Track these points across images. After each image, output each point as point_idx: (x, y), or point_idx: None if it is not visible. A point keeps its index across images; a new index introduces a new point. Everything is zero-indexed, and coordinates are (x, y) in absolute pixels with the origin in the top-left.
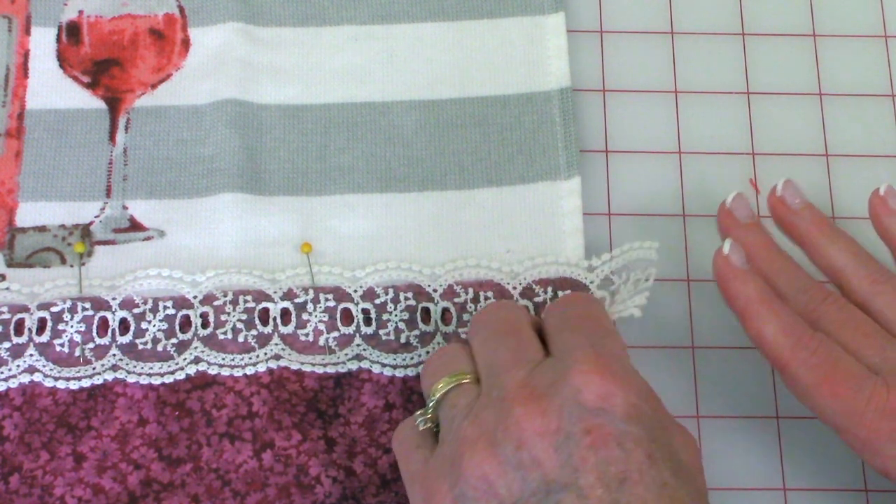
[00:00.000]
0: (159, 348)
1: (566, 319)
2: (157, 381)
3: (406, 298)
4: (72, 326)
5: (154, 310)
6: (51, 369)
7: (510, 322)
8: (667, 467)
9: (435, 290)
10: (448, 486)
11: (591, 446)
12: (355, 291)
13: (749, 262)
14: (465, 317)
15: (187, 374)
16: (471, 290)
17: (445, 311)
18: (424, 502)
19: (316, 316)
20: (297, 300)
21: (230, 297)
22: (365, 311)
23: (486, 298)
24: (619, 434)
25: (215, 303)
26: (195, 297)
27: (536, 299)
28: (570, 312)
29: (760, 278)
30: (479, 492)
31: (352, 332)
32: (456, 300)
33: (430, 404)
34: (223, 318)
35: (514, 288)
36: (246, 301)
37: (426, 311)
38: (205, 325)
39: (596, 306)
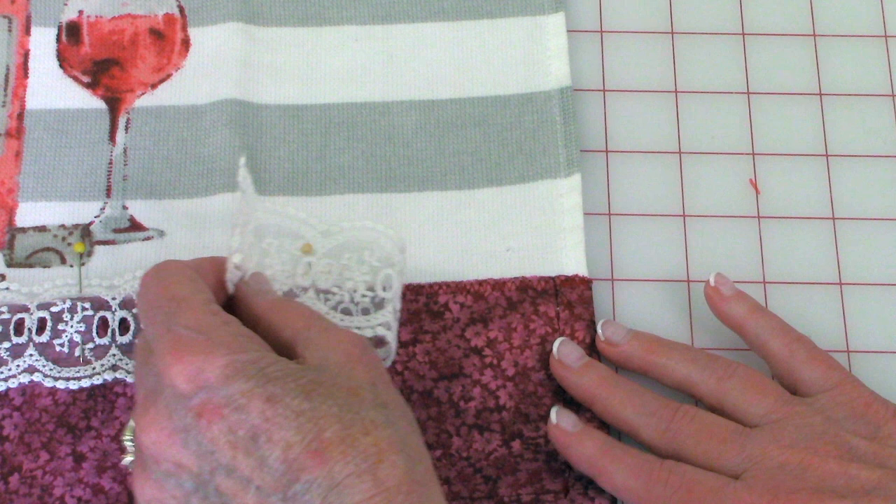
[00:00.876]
0: None
1: (141, 312)
2: None
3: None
4: (72, 326)
5: None
6: (51, 369)
7: (139, 344)
8: (296, 395)
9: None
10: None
11: (209, 425)
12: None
13: (592, 403)
14: None
15: None
16: None
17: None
18: None
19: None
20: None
21: None
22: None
23: None
24: (227, 399)
25: None
26: None
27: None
28: (143, 300)
29: (596, 433)
30: None
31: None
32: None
33: (128, 443)
34: None
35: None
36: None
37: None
38: None
39: (160, 278)
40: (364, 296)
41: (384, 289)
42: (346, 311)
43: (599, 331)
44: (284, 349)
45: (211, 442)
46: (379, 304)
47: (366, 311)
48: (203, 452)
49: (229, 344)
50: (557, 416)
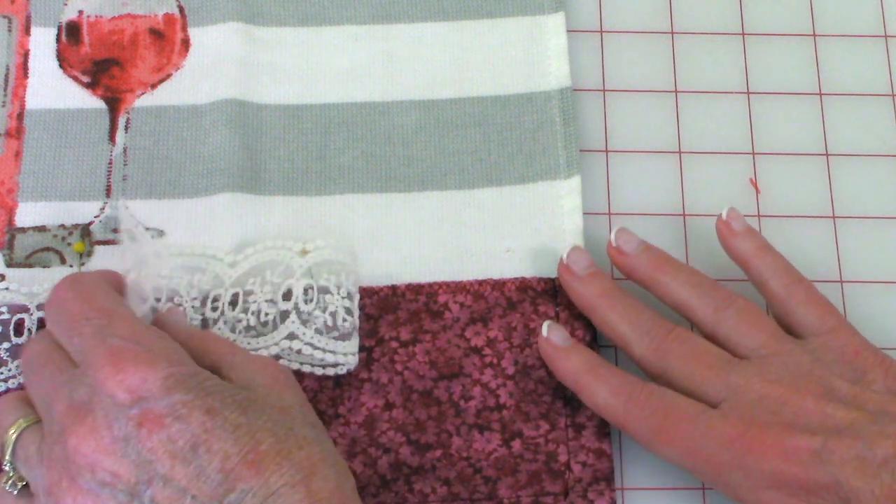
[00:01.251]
0: None
1: (63, 324)
2: None
3: None
4: None
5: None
6: None
7: (40, 354)
8: (233, 409)
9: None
10: None
11: (150, 434)
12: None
13: (591, 312)
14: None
15: None
16: None
17: None
18: None
19: None
20: None
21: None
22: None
23: None
24: (169, 409)
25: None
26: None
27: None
28: (62, 312)
29: (584, 350)
30: None
31: None
32: None
33: (7, 465)
34: None
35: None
36: None
37: None
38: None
39: (80, 291)
40: (266, 313)
41: (284, 299)
42: (254, 334)
43: (612, 236)
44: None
45: (150, 451)
46: (284, 315)
47: (272, 326)
48: (141, 462)
49: (168, 356)
50: (549, 329)
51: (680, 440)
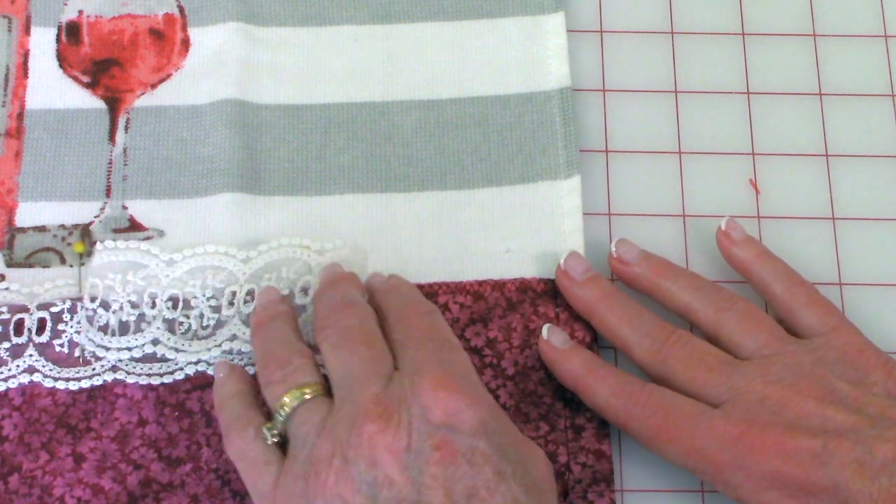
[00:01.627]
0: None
1: (409, 332)
2: (156, 381)
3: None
4: (71, 327)
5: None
6: (50, 370)
7: (364, 332)
8: (518, 484)
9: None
10: (305, 497)
11: (440, 462)
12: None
13: (591, 316)
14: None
15: (186, 375)
16: None
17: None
18: None
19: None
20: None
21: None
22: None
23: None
24: (468, 449)
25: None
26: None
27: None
28: (415, 324)
29: (584, 351)
30: None
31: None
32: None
33: (280, 419)
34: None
35: None
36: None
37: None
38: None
39: (437, 317)
40: None
41: (305, 294)
42: None
43: (613, 248)
44: None
45: (431, 478)
46: (300, 310)
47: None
48: (417, 481)
49: (488, 404)
50: (548, 332)
51: (681, 440)
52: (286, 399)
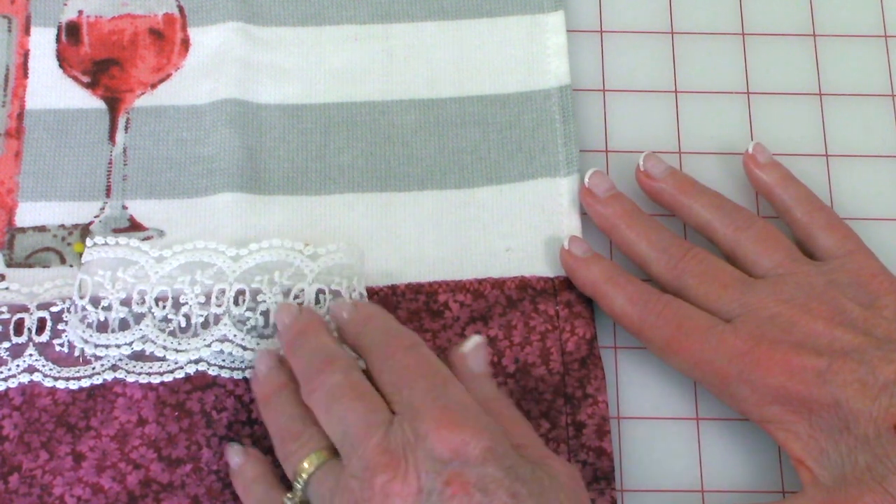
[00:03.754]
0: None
1: (399, 372)
2: (156, 380)
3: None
4: (69, 324)
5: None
6: (50, 369)
7: (352, 385)
8: (533, 501)
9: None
10: None
11: (453, 497)
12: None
13: (611, 232)
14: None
15: (187, 374)
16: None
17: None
18: None
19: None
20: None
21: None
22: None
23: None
24: (478, 479)
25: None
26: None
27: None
28: (402, 361)
29: (604, 260)
30: None
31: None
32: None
33: (299, 486)
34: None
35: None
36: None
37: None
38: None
39: (422, 348)
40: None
41: (297, 304)
42: (262, 336)
43: (641, 161)
44: None
45: None
46: None
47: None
48: None
49: (491, 431)
50: (570, 242)
51: (691, 351)
52: (304, 465)
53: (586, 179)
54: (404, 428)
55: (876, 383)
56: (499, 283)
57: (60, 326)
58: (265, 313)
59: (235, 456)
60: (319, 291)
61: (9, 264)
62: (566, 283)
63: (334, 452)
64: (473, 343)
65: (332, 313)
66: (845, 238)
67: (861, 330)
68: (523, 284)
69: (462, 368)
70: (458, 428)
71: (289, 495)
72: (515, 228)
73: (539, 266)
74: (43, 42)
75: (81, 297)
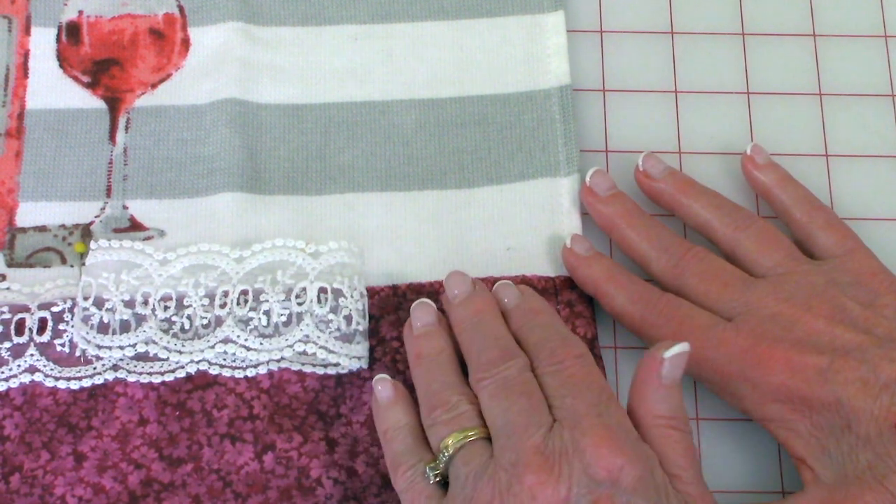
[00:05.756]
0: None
1: (566, 380)
2: (157, 380)
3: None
4: (72, 326)
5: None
6: (51, 369)
7: (522, 382)
8: None
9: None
10: None
11: None
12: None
13: (611, 231)
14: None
15: (188, 373)
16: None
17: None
18: None
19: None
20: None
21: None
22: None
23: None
24: None
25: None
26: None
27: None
28: (570, 370)
29: (605, 259)
30: None
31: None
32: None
33: (443, 459)
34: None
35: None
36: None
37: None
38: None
39: (589, 360)
40: (280, 314)
41: (299, 303)
42: (264, 335)
43: (640, 161)
44: None
45: None
46: (298, 318)
47: (284, 328)
48: None
49: (647, 460)
50: (572, 241)
51: (693, 350)
52: (450, 441)
53: (587, 178)
54: (563, 436)
55: (877, 382)
56: None
57: (61, 326)
58: (268, 313)
59: (385, 390)
60: (321, 290)
61: (9, 264)
62: (567, 283)
63: (485, 435)
64: (679, 349)
65: (496, 294)
66: (845, 237)
67: (862, 328)
68: (524, 284)
69: (651, 373)
70: (618, 451)
71: (432, 464)
72: (516, 228)
73: (540, 266)
74: (43, 42)
75: (85, 299)
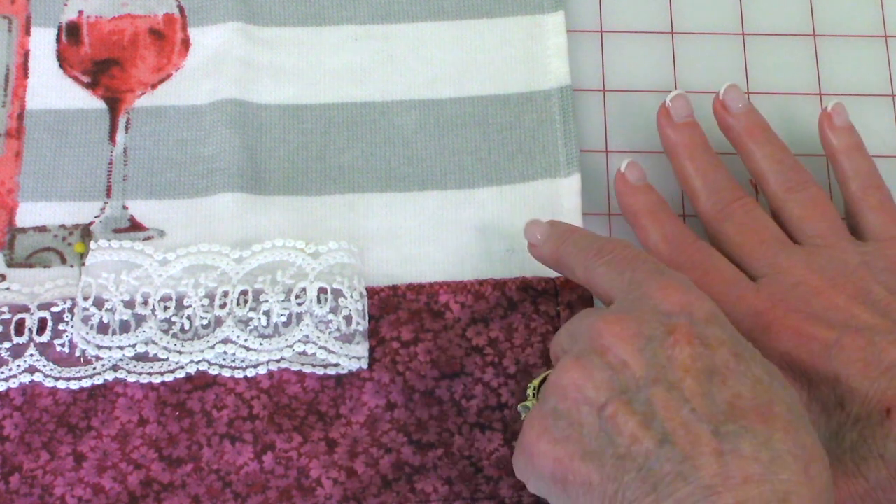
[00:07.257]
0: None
1: (619, 262)
2: (157, 380)
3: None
4: (72, 326)
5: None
6: (51, 369)
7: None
8: (757, 365)
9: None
10: (545, 405)
11: (676, 344)
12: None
13: (673, 157)
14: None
15: (187, 374)
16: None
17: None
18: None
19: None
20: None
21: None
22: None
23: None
24: (700, 334)
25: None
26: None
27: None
28: (620, 253)
29: (653, 193)
30: (568, 401)
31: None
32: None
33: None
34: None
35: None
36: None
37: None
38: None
39: (628, 244)
40: (280, 314)
41: (299, 303)
42: (264, 336)
43: (722, 91)
44: None
45: (668, 358)
46: (298, 318)
47: (284, 328)
48: (654, 363)
49: (713, 303)
50: (626, 167)
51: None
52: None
53: (668, 101)
54: (631, 293)
55: (879, 365)
56: (500, 284)
57: (61, 326)
58: (267, 313)
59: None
60: (321, 290)
61: (9, 264)
62: (567, 284)
63: None
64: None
65: (527, 235)
66: (892, 223)
67: (881, 312)
68: (524, 285)
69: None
70: (684, 290)
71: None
72: (516, 229)
73: (540, 266)
74: (43, 42)
75: (85, 299)
